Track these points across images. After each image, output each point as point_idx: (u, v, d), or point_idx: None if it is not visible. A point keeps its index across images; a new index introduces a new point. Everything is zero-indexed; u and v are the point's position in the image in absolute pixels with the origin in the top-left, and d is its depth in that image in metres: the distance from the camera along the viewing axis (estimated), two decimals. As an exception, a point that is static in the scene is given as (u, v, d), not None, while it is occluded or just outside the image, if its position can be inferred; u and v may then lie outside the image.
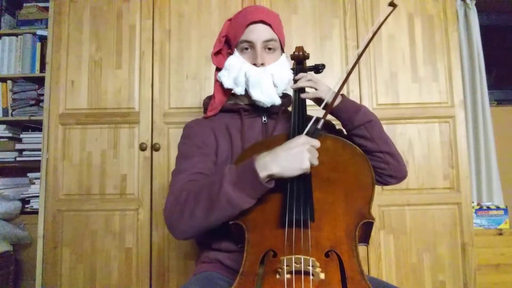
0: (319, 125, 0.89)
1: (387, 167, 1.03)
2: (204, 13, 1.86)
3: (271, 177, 0.79)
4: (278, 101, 1.06)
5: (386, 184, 1.07)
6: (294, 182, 0.82)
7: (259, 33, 1.03)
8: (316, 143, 0.83)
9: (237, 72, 1.04)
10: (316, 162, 0.82)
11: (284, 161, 0.78)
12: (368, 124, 1.01)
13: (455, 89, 1.80)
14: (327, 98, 0.99)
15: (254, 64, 1.03)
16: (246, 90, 1.05)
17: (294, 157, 0.78)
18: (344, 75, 0.96)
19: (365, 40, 0.96)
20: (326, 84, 1.04)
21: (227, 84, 1.06)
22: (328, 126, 1.16)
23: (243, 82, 1.04)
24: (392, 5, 0.90)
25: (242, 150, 1.00)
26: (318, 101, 1.04)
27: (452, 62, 1.82)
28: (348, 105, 1.02)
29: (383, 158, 1.02)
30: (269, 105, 1.06)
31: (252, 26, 1.03)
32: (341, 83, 0.95)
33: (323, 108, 0.99)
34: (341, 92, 1.05)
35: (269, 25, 1.04)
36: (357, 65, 1.82)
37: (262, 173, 0.78)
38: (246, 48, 1.05)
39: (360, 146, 1.00)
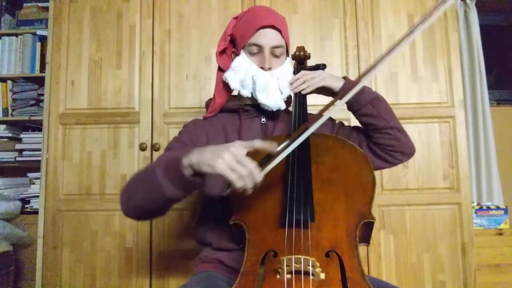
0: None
1: (397, 144, 1.03)
2: (204, 13, 1.86)
3: (192, 167, 0.75)
4: (283, 106, 1.06)
5: (396, 164, 1.06)
6: (295, 182, 0.82)
7: (269, 38, 1.02)
8: (246, 163, 0.72)
9: (244, 74, 1.03)
10: (232, 177, 0.71)
11: (205, 154, 0.75)
12: (375, 101, 1.01)
13: (455, 89, 1.80)
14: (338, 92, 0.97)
15: (262, 68, 1.03)
16: (251, 93, 1.05)
17: (214, 153, 0.73)
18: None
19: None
20: (319, 72, 1.05)
21: (234, 85, 1.05)
22: (330, 122, 1.14)
23: (250, 85, 1.03)
24: None
25: None
26: (323, 90, 1.04)
27: (452, 62, 1.82)
28: (351, 86, 1.00)
29: (393, 134, 1.02)
30: (274, 109, 1.05)
31: (262, 30, 1.02)
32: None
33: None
34: (343, 76, 1.06)
35: (279, 30, 1.04)
36: (356, 64, 1.82)
37: (184, 161, 0.76)
38: (254, 52, 1.04)
39: (369, 125, 1.00)
